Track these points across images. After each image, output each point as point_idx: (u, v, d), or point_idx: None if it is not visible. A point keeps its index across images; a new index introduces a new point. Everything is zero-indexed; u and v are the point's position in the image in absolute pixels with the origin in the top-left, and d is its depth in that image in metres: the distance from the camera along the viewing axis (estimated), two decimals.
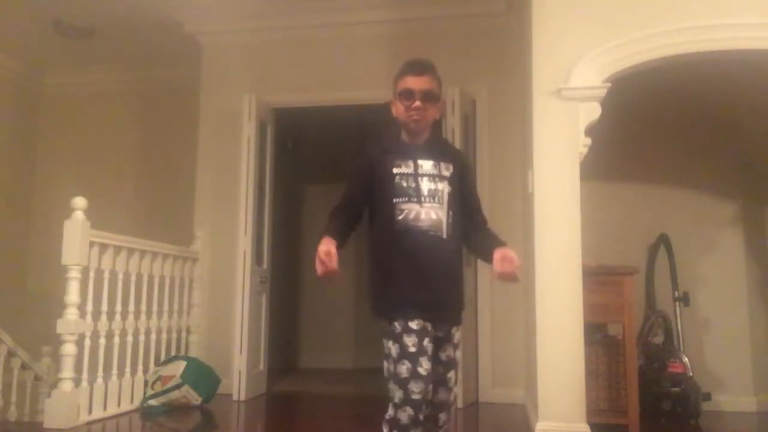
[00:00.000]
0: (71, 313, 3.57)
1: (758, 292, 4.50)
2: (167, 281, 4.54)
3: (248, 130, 4.76)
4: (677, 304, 4.29)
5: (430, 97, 2.18)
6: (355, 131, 6.40)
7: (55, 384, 3.74)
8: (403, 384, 1.99)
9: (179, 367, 4.23)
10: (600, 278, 3.50)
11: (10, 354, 4.49)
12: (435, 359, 2.07)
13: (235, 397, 4.51)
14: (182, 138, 5.56)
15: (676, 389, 3.95)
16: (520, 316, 4.40)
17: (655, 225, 4.50)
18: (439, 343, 2.11)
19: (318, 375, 6.33)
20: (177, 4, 4.88)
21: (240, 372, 4.55)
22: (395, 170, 2.13)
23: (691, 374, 4.00)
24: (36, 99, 6.34)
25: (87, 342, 3.73)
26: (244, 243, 4.67)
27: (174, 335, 4.66)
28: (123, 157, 6.13)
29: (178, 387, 4.15)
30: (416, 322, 2.04)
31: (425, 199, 2.10)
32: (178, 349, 4.70)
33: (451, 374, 2.14)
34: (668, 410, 3.94)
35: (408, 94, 2.18)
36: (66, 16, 5.09)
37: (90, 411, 3.72)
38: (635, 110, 4.38)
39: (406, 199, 2.10)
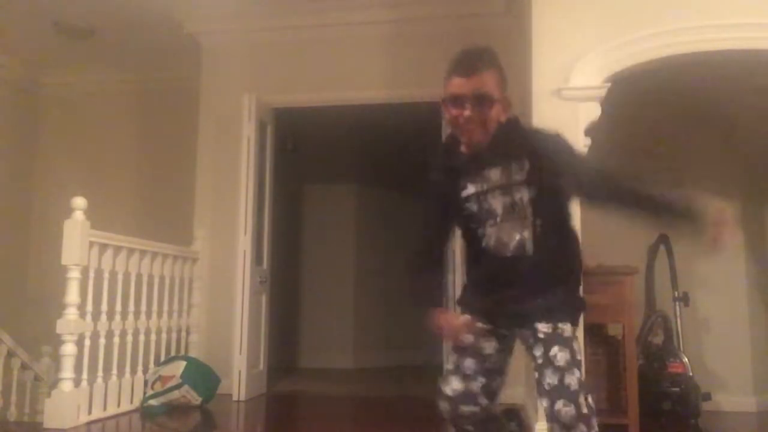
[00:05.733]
0: (71, 313, 3.56)
1: (758, 292, 4.50)
2: (167, 281, 4.54)
3: (248, 130, 4.76)
4: (677, 304, 4.29)
5: (484, 101, 1.81)
6: (355, 131, 6.42)
7: (55, 384, 3.73)
8: (437, 399, 1.97)
9: (179, 367, 4.22)
10: (600, 278, 3.49)
11: (10, 354, 4.49)
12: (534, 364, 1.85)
13: (235, 397, 4.51)
14: (182, 138, 5.56)
15: (676, 389, 3.95)
16: None
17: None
18: (529, 344, 1.87)
19: (318, 375, 6.33)
20: (177, 4, 4.88)
21: (240, 372, 4.55)
22: (464, 193, 1.87)
23: (691, 374, 4.00)
24: (36, 99, 6.33)
25: (87, 342, 3.72)
26: (244, 243, 4.67)
27: (174, 335, 4.66)
28: (123, 157, 6.13)
29: (178, 387, 4.15)
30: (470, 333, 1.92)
31: (501, 219, 1.84)
32: (178, 349, 4.70)
33: (542, 377, 1.78)
34: (668, 410, 3.94)
35: (455, 101, 1.83)
36: (66, 16, 5.08)
37: (90, 411, 3.72)
38: (635, 110, 4.38)
39: (483, 223, 1.86)
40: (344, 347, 7.03)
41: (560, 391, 1.74)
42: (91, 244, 3.69)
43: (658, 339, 4.23)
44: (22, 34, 5.43)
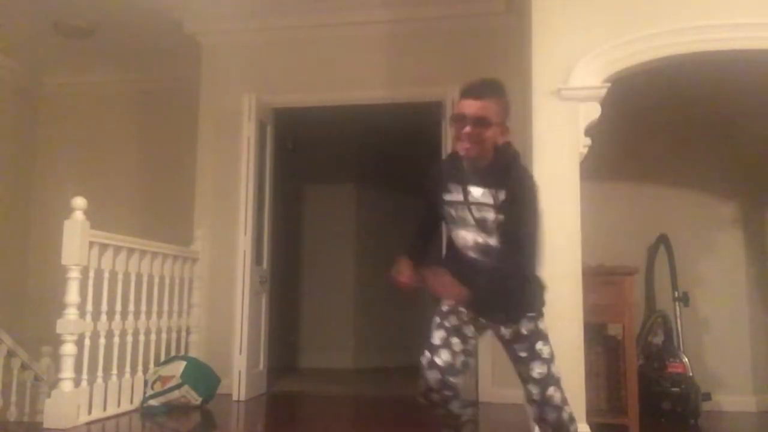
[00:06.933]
0: (71, 313, 3.56)
1: (758, 292, 4.50)
2: (167, 281, 4.53)
3: (248, 130, 4.76)
4: (677, 304, 4.29)
5: (482, 124, 2.11)
6: (355, 131, 6.42)
7: (55, 384, 3.73)
8: (422, 372, 2.19)
9: (179, 367, 4.22)
10: (600, 278, 3.50)
11: (10, 354, 4.49)
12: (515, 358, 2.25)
13: (235, 397, 4.51)
14: (182, 138, 5.56)
15: (676, 389, 3.95)
16: None
17: (655, 225, 4.50)
18: (507, 343, 2.25)
19: (318, 375, 6.33)
20: (177, 4, 4.88)
21: (240, 372, 4.55)
22: (446, 197, 2.20)
23: (691, 374, 4.00)
24: (36, 99, 6.33)
25: (87, 342, 3.72)
26: (244, 243, 4.67)
27: (174, 335, 4.66)
28: (123, 157, 6.13)
29: (177, 387, 4.15)
30: (455, 317, 2.23)
31: (472, 228, 2.17)
32: (178, 349, 4.70)
33: (529, 369, 2.19)
34: (668, 410, 3.94)
35: (459, 119, 2.14)
36: (66, 16, 5.08)
37: (90, 411, 3.72)
38: (635, 110, 4.39)
39: (457, 226, 2.20)
40: (344, 347, 7.02)
41: (538, 378, 2.18)
42: (91, 244, 3.69)
43: (658, 339, 4.23)
44: (22, 34, 5.43)
